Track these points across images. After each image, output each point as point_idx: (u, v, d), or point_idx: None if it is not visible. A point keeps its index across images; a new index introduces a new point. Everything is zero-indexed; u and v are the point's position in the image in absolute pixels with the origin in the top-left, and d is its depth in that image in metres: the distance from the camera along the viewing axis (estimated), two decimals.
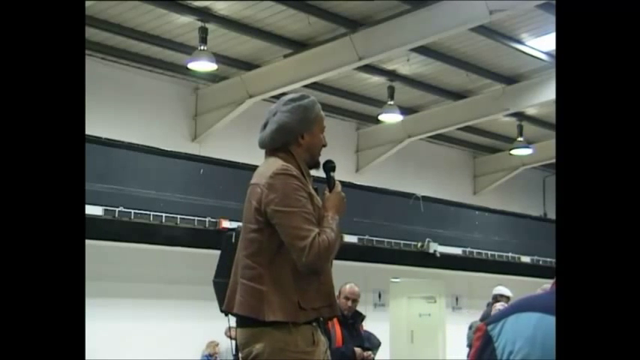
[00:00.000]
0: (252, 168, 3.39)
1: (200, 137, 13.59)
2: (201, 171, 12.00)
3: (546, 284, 6.18)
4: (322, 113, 3.38)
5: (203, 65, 11.69)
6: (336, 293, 3.46)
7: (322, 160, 3.39)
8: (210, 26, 11.34)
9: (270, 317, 3.06)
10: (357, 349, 6.01)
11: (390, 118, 14.27)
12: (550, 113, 15.26)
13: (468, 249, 15.48)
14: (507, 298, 8.77)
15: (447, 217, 15.48)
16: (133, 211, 10.86)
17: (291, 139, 3.28)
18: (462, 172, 18.40)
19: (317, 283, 3.18)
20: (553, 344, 1.47)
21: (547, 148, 16.47)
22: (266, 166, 3.25)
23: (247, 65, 12.94)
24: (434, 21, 10.95)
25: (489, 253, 15.92)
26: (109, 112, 12.26)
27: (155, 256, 11.90)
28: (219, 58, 11.93)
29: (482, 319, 8.67)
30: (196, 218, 11.55)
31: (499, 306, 8.11)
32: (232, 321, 3.31)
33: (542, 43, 12.46)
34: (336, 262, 3.25)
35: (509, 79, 14.09)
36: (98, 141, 10.50)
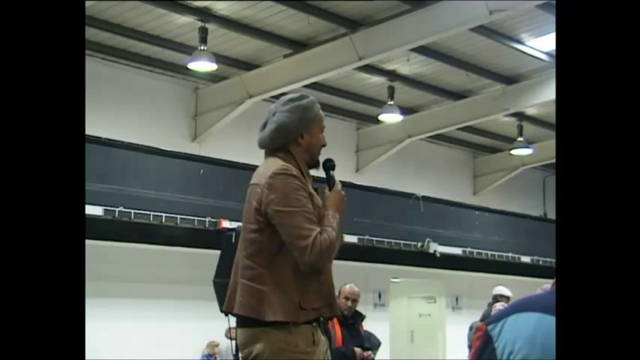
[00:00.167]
0: (252, 168, 3.39)
1: (200, 137, 13.60)
2: (201, 171, 12.00)
3: (546, 284, 6.18)
4: (321, 113, 3.38)
5: (203, 65, 11.69)
6: (336, 293, 3.45)
7: (322, 159, 3.39)
8: (210, 26, 11.34)
9: (271, 317, 3.06)
10: (357, 349, 6.01)
11: (390, 118, 14.27)
12: (550, 113, 15.26)
13: (468, 249, 15.48)
14: (507, 298, 8.76)
15: (447, 217, 15.48)
16: (133, 211, 10.87)
17: (291, 139, 3.28)
18: (462, 172, 18.40)
19: (317, 283, 3.18)
20: (553, 344, 1.47)
21: (547, 148, 16.47)
22: (266, 166, 3.25)
23: (247, 65, 12.94)
24: (434, 21, 10.95)
25: (489, 253, 15.92)
26: (109, 112, 12.26)
27: (155, 256, 11.90)
28: (219, 58, 11.93)
29: (482, 319, 8.67)
30: (196, 218, 11.55)
31: (499, 306, 8.11)
32: (232, 321, 3.30)
33: (542, 43, 12.46)
34: (336, 262, 3.25)
35: (509, 79, 14.09)
36: (98, 141, 10.50)
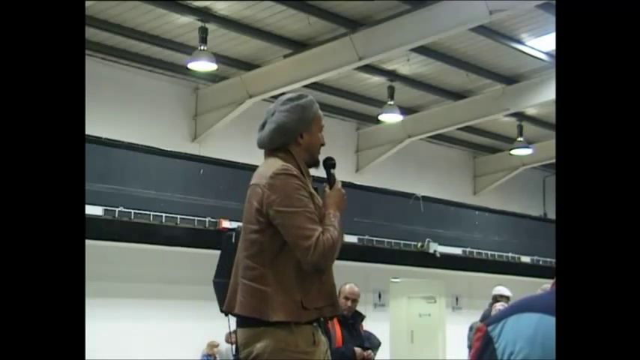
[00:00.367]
0: (252, 168, 3.39)
1: (200, 137, 13.60)
2: (201, 171, 12.00)
3: (546, 284, 6.18)
4: (320, 112, 3.38)
5: (203, 65, 11.69)
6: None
7: (321, 159, 3.39)
8: (210, 26, 11.34)
9: (273, 317, 3.06)
10: (357, 349, 6.00)
11: (390, 118, 14.28)
12: (550, 113, 15.26)
13: (468, 249, 15.49)
14: (507, 298, 8.76)
15: (447, 217, 15.48)
16: (133, 211, 10.87)
17: (290, 138, 3.27)
18: (462, 172, 18.40)
19: (319, 282, 3.18)
20: (554, 344, 1.47)
21: (547, 148, 16.48)
22: (266, 166, 3.24)
23: (247, 65, 12.94)
24: (434, 21, 10.96)
25: (489, 253, 15.93)
26: (109, 112, 12.26)
27: (155, 256, 11.90)
28: (219, 58, 11.93)
29: (482, 320, 8.67)
30: (196, 218, 11.55)
31: (499, 306, 8.10)
32: (232, 321, 3.30)
33: (542, 43, 12.46)
34: (336, 262, 3.25)
35: (509, 79, 14.10)
36: (98, 141, 10.50)
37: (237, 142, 12.63)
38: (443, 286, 16.83)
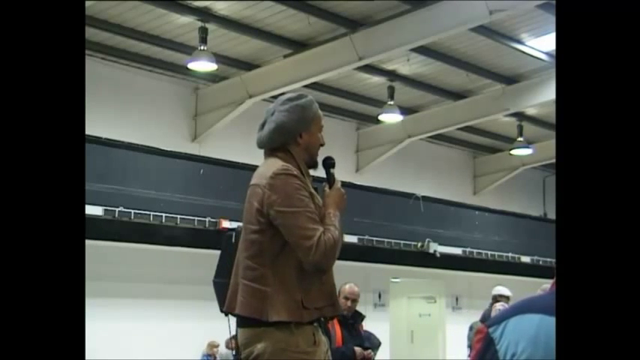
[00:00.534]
0: (252, 168, 3.39)
1: (200, 137, 13.60)
2: (201, 171, 12.00)
3: (546, 284, 6.18)
4: (320, 112, 3.38)
5: (203, 65, 11.70)
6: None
7: (320, 159, 3.39)
8: (210, 26, 11.34)
9: (274, 318, 3.06)
10: (357, 349, 6.00)
11: (390, 118, 14.28)
12: (550, 113, 15.26)
13: (468, 249, 15.49)
14: (507, 298, 8.75)
15: (447, 217, 15.48)
16: (133, 211, 10.87)
17: (290, 138, 3.27)
18: (462, 172, 18.40)
19: (319, 282, 3.18)
20: None
21: (547, 148, 16.48)
22: (266, 166, 3.24)
23: (247, 65, 12.94)
24: (434, 21, 10.96)
25: (489, 253, 15.93)
26: (109, 112, 12.27)
27: (155, 256, 11.91)
28: (219, 58, 11.93)
29: (482, 319, 8.66)
30: (196, 218, 11.55)
31: (499, 306, 8.10)
32: (232, 321, 3.30)
33: (542, 43, 12.46)
34: (336, 262, 3.25)
35: (509, 79, 14.10)
36: (98, 141, 10.51)
37: (237, 142, 12.64)
38: (443, 286, 16.83)
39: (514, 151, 17.00)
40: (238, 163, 11.47)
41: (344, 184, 3.42)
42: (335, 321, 5.80)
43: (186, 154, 12.21)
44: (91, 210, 10.00)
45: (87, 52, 11.17)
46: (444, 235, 15.03)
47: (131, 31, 11.68)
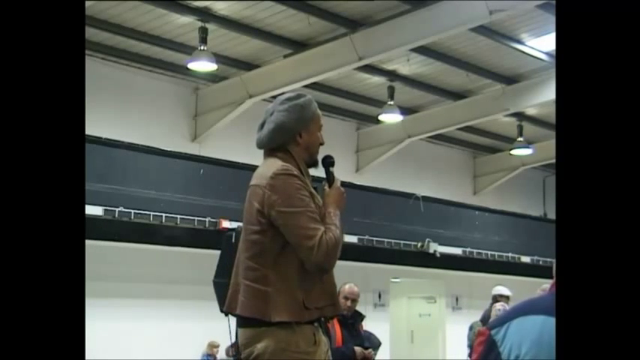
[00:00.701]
0: (252, 168, 3.38)
1: (200, 137, 13.60)
2: (201, 171, 12.00)
3: (545, 284, 6.18)
4: (319, 111, 3.37)
5: (203, 65, 11.69)
6: None
7: (320, 158, 3.38)
8: (210, 26, 11.34)
9: (276, 318, 3.05)
10: (357, 348, 6.00)
11: (390, 118, 14.27)
12: (550, 113, 15.26)
13: (468, 249, 15.49)
14: (507, 297, 8.75)
15: (447, 217, 15.48)
16: (133, 211, 10.87)
17: (289, 138, 3.26)
18: (462, 172, 18.40)
19: (320, 282, 3.18)
20: None
21: (547, 148, 16.47)
22: (265, 166, 3.24)
23: (247, 65, 12.94)
24: (434, 21, 10.95)
25: (489, 253, 15.93)
26: (109, 112, 12.26)
27: (155, 256, 11.90)
28: (219, 58, 11.93)
29: (482, 319, 8.66)
30: (196, 218, 11.55)
31: (499, 306, 8.10)
32: (233, 322, 3.30)
33: (542, 43, 12.46)
34: (336, 262, 3.25)
35: (509, 79, 14.09)
36: (98, 141, 10.50)
37: (237, 142, 12.63)
38: (443, 286, 16.82)
39: (514, 151, 17.00)
40: (238, 163, 11.46)
41: (344, 184, 3.41)
42: (335, 321, 5.80)
43: (186, 154, 12.21)
44: (91, 210, 10.00)
45: (87, 52, 11.17)
46: (444, 235, 15.03)
47: (131, 31, 11.67)
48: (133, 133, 11.99)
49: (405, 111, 14.66)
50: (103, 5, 10.75)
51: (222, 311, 3.35)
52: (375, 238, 13.91)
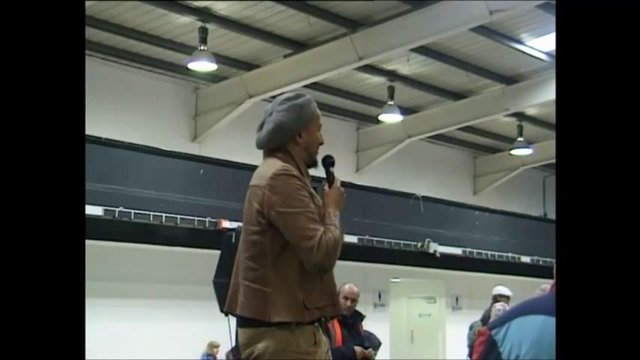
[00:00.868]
0: (252, 168, 3.38)
1: (200, 137, 13.60)
2: (201, 171, 12.00)
3: (544, 284, 6.18)
4: (318, 111, 3.37)
5: (203, 65, 11.69)
6: None
7: (319, 158, 3.38)
8: (210, 26, 11.34)
9: (276, 318, 3.05)
10: (358, 348, 6.00)
11: (390, 118, 14.27)
12: (550, 113, 15.26)
13: (468, 249, 15.49)
14: (508, 297, 8.76)
15: (447, 217, 15.48)
16: (133, 211, 10.87)
17: (289, 138, 3.26)
18: (462, 172, 18.40)
19: (320, 282, 3.18)
20: None
21: (547, 148, 16.47)
22: (265, 167, 3.23)
23: (247, 65, 12.94)
24: (434, 21, 10.95)
25: (489, 253, 15.93)
26: (109, 112, 12.26)
27: (155, 256, 11.90)
28: (219, 58, 11.93)
29: (482, 319, 8.67)
30: (196, 218, 11.55)
31: (499, 306, 8.10)
32: (232, 322, 3.30)
33: (542, 43, 12.46)
34: (336, 262, 3.25)
35: (509, 79, 14.10)
36: (98, 141, 10.50)
37: (237, 142, 12.63)
38: (443, 286, 16.83)
39: (514, 151, 17.00)
40: (238, 163, 11.47)
41: (344, 184, 3.41)
42: (335, 321, 5.80)
43: (186, 154, 12.21)
44: (91, 210, 10.00)
45: (87, 52, 11.17)
46: (444, 235, 15.03)
47: (131, 31, 11.67)
48: (133, 133, 11.99)
49: (405, 111, 14.65)
50: (103, 5, 10.75)
51: (222, 311, 3.35)
52: (375, 238, 13.92)
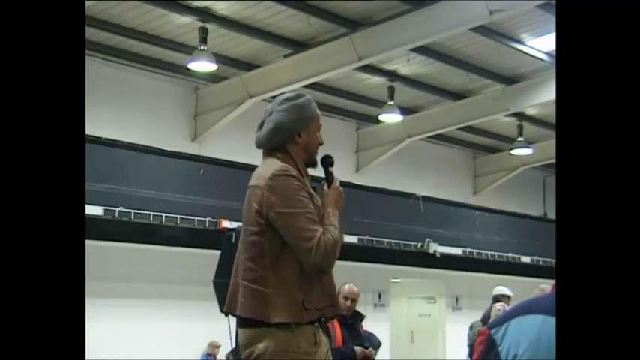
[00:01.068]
0: (252, 168, 3.38)
1: (200, 137, 13.60)
2: (201, 171, 12.00)
3: (543, 284, 6.18)
4: (318, 111, 3.36)
5: (203, 65, 11.69)
6: None
7: (319, 158, 3.38)
8: (210, 26, 11.34)
9: (275, 319, 3.05)
10: (358, 348, 6.00)
11: (390, 118, 14.27)
12: (550, 113, 15.26)
13: (468, 249, 15.49)
14: (508, 297, 8.76)
15: (447, 217, 15.48)
16: (133, 211, 10.87)
17: (288, 138, 3.26)
18: (462, 172, 18.40)
19: (320, 282, 3.18)
20: None
21: (547, 148, 16.47)
22: (264, 167, 3.23)
23: (247, 65, 12.94)
24: (434, 21, 10.95)
25: (489, 253, 15.93)
26: (109, 112, 12.26)
27: (155, 256, 11.90)
28: (219, 58, 11.93)
29: (482, 319, 8.67)
30: (196, 218, 11.55)
31: (499, 306, 8.10)
32: (232, 322, 3.30)
33: (542, 43, 12.46)
34: (336, 262, 3.25)
35: (509, 79, 14.09)
36: (98, 141, 10.50)
37: (237, 142, 12.63)
38: (443, 286, 16.82)
39: (514, 151, 17.00)
40: (238, 163, 11.46)
41: (344, 184, 3.41)
42: (335, 321, 5.80)
43: (186, 154, 12.21)
44: (91, 210, 10.00)
45: (87, 52, 11.17)
46: (444, 235, 15.03)
47: (131, 31, 11.67)
48: (133, 133, 11.99)
49: (405, 111, 14.65)
50: (103, 5, 10.75)
51: (222, 311, 3.35)
52: (375, 238, 13.91)
